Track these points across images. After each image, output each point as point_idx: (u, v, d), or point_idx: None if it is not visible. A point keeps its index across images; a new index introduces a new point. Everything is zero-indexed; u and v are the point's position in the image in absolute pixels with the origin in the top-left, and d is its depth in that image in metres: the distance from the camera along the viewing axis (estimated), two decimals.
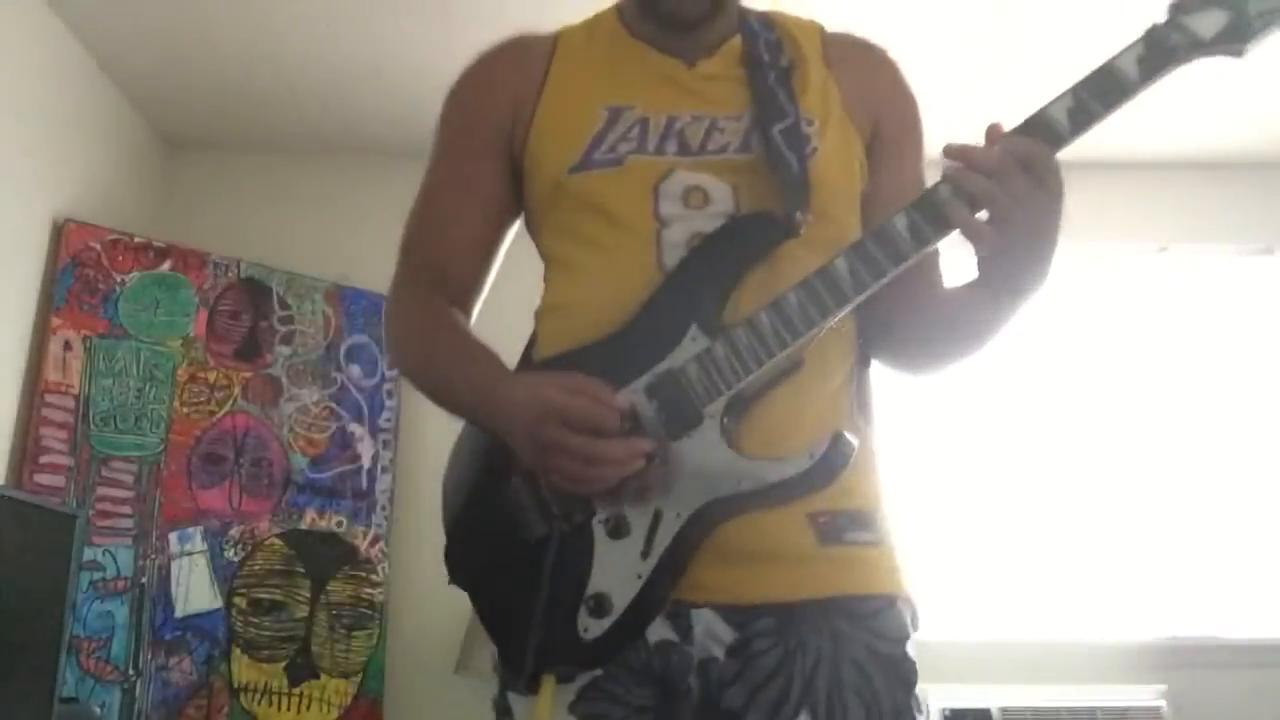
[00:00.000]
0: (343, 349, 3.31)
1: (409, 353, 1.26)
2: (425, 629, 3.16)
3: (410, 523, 3.26)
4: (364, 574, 3.13)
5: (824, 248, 1.09)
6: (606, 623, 1.05)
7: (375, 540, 3.18)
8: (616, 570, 1.06)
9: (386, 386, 3.34)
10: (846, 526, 1.10)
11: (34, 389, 2.79)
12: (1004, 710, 2.91)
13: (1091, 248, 3.53)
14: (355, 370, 3.30)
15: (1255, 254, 3.61)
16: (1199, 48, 1.02)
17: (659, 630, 1.07)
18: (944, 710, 2.92)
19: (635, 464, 1.03)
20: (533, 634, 1.06)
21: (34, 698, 2.20)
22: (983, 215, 1.02)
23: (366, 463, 3.24)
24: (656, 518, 1.06)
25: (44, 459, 2.75)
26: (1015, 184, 1.00)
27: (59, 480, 2.76)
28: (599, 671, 1.08)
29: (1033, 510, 3.33)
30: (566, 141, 1.20)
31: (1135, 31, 1.04)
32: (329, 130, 3.52)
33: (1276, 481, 3.40)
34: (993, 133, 1.02)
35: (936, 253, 1.14)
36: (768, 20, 1.28)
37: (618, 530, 1.06)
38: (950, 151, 1.03)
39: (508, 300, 1.43)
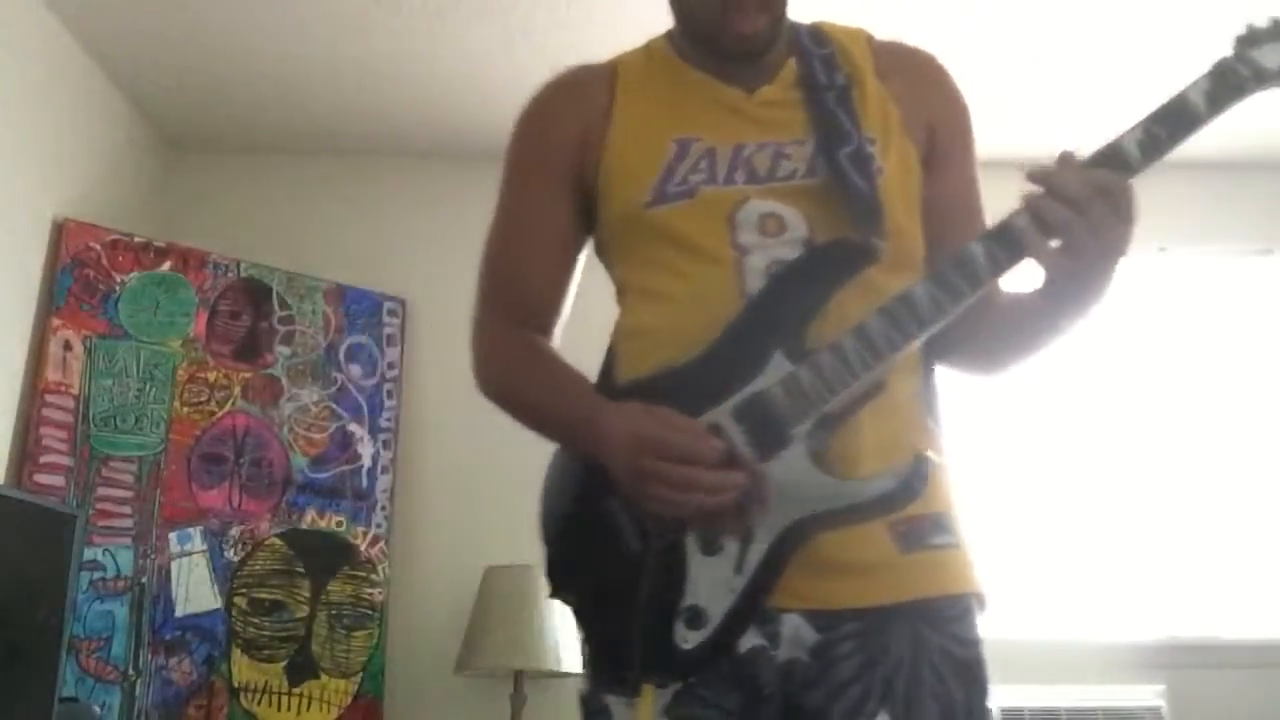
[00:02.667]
0: (343, 349, 3.31)
1: (502, 385, 1.31)
2: (425, 629, 3.16)
3: (410, 523, 3.27)
4: (364, 574, 3.13)
5: (896, 266, 1.15)
6: (703, 634, 1.10)
7: (375, 540, 3.18)
8: (710, 584, 1.11)
9: (386, 386, 3.34)
10: (927, 532, 1.16)
11: (34, 389, 2.78)
12: (1004, 710, 2.90)
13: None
14: (355, 370, 3.30)
15: (1255, 254, 3.60)
16: (1265, 79, 1.08)
17: (749, 637, 1.12)
18: None
19: (728, 493, 1.07)
20: (635, 645, 1.11)
21: (34, 698, 2.20)
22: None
23: (366, 463, 3.24)
24: (748, 535, 1.10)
25: (44, 459, 2.75)
26: (1094, 213, 1.04)
27: (59, 480, 2.76)
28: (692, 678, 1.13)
29: (1031, 510, 3.33)
30: (638, 176, 1.23)
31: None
32: (329, 130, 3.52)
33: (1276, 482, 3.40)
34: (1066, 159, 1.06)
35: None
36: (819, 34, 1.30)
37: (710, 547, 1.11)
38: (1033, 176, 1.06)
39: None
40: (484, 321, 1.34)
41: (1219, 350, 3.51)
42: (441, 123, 3.45)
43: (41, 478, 2.73)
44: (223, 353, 3.12)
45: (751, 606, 1.11)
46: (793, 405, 1.10)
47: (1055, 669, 3.01)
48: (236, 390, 3.11)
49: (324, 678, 3.01)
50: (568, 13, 2.94)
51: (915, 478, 1.08)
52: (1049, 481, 3.37)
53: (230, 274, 3.19)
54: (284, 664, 2.97)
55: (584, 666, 1.21)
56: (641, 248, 1.25)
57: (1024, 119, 3.31)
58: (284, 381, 3.19)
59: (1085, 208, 1.03)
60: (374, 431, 3.27)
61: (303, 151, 3.61)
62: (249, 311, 3.19)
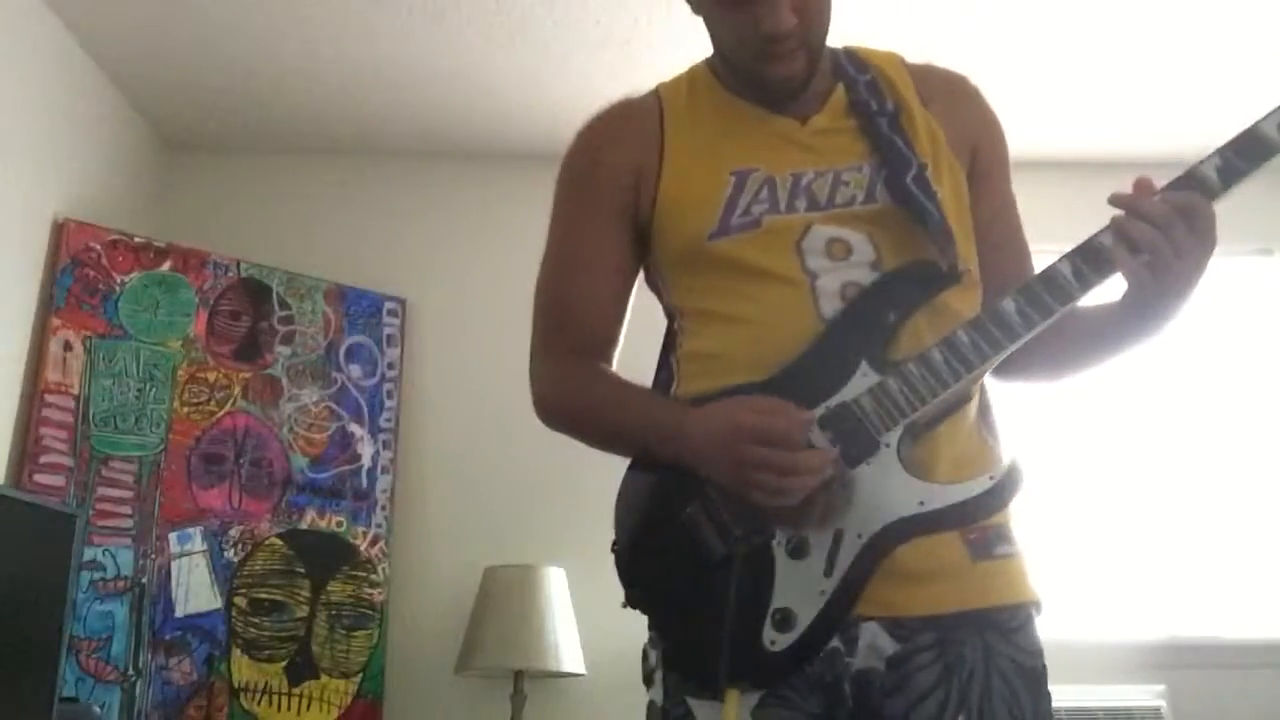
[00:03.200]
0: (343, 349, 3.31)
1: (576, 413, 1.34)
2: (425, 629, 3.16)
3: (410, 523, 3.26)
4: (364, 574, 3.13)
5: (963, 288, 1.20)
6: (792, 636, 1.13)
7: (375, 540, 3.18)
8: (799, 587, 1.13)
9: (386, 387, 3.34)
10: (994, 541, 1.20)
11: (34, 389, 2.78)
12: None
13: None
14: (355, 370, 3.30)
15: (1255, 254, 3.60)
16: None
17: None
18: None
19: (825, 473, 1.10)
20: (723, 648, 1.12)
21: (34, 698, 2.20)
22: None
23: (366, 463, 3.24)
24: (837, 538, 1.13)
25: (44, 459, 2.75)
26: (1177, 233, 1.08)
27: (59, 480, 2.76)
28: None
29: (1030, 510, 3.33)
30: (699, 210, 1.26)
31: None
32: (329, 130, 3.52)
33: (1277, 482, 3.40)
34: (1142, 184, 1.11)
35: None
36: (857, 59, 1.33)
37: (799, 551, 1.14)
38: (1116, 200, 1.11)
39: None
40: (546, 356, 1.36)
41: (1219, 350, 3.51)
42: (441, 123, 3.45)
43: (41, 478, 2.73)
44: (223, 353, 3.12)
45: (841, 609, 1.13)
46: (881, 413, 1.13)
47: (1055, 669, 2.99)
48: (236, 390, 3.11)
49: (324, 678, 3.01)
50: (566, 14, 2.94)
51: (1011, 480, 1.13)
52: (1048, 482, 3.37)
53: (230, 274, 3.19)
54: (284, 664, 2.97)
55: (653, 674, 1.22)
56: (705, 276, 1.27)
57: (1027, 120, 3.31)
58: (284, 381, 3.19)
59: (1168, 227, 1.07)
60: (374, 431, 3.27)
61: (303, 151, 3.61)
62: (249, 311, 3.19)
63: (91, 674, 2.69)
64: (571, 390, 1.33)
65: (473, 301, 3.42)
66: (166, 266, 3.09)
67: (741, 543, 1.14)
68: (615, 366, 1.37)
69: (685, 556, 1.17)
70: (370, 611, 3.11)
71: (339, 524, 3.15)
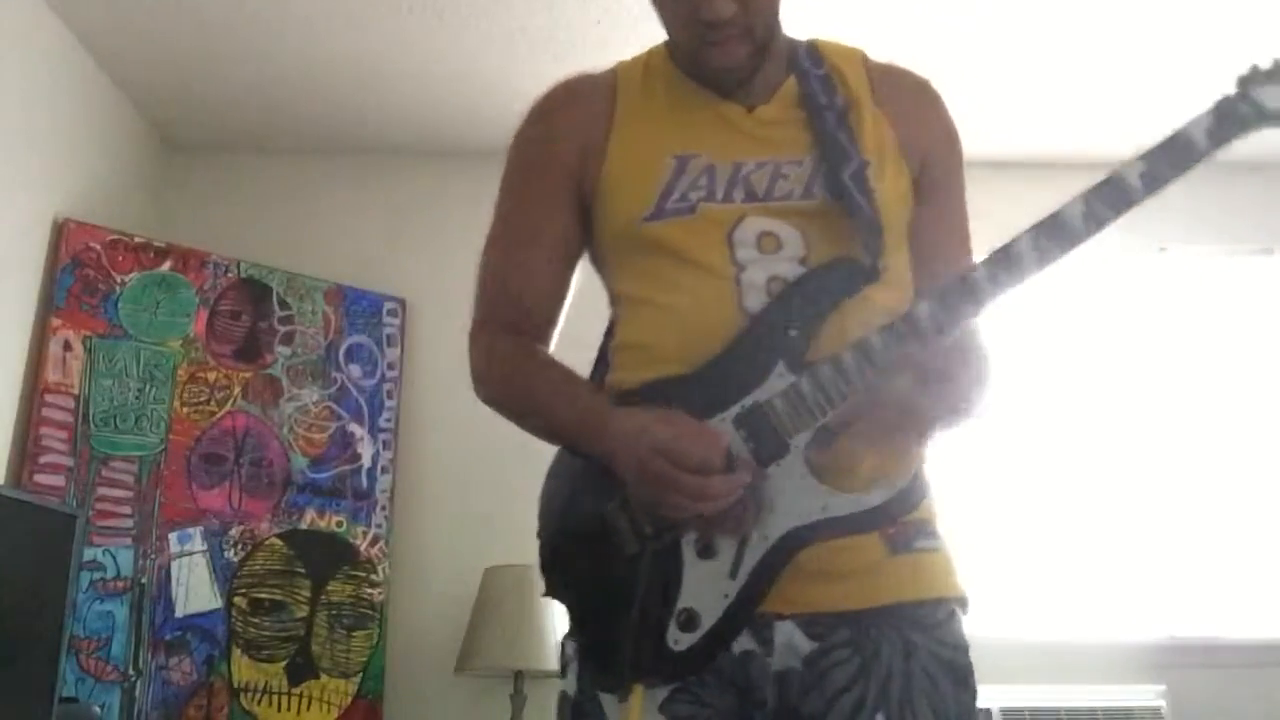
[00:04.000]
0: (343, 349, 3.31)
1: (503, 389, 1.32)
2: (425, 629, 3.16)
3: (410, 523, 3.27)
4: (364, 574, 3.13)
5: (891, 285, 1.19)
6: (694, 637, 1.13)
7: (375, 540, 3.18)
8: (705, 588, 1.13)
9: (386, 387, 3.34)
10: (914, 536, 1.19)
11: (34, 389, 2.78)
12: (1004, 710, 2.90)
13: (1091, 248, 3.53)
14: (355, 370, 3.30)
15: (1255, 254, 3.60)
16: (1265, 118, 1.11)
17: (742, 641, 1.15)
18: None
19: (736, 495, 1.09)
20: (627, 645, 1.13)
21: (34, 698, 2.20)
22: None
23: (366, 463, 3.24)
24: (744, 540, 1.13)
25: (44, 459, 2.75)
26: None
27: (59, 480, 2.76)
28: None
29: (1031, 510, 3.33)
30: (638, 191, 1.25)
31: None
32: (328, 130, 3.52)
33: (1276, 481, 3.40)
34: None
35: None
36: (815, 53, 1.32)
37: (707, 550, 1.14)
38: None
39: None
40: (483, 330, 1.34)
41: (1219, 350, 3.51)
42: (441, 122, 3.46)
43: (41, 478, 2.73)
44: (223, 353, 3.12)
45: (745, 612, 1.13)
46: (793, 415, 1.12)
47: (1055, 669, 3.01)
48: (236, 390, 3.11)
49: (324, 678, 3.00)
50: (566, 13, 2.94)
51: (913, 492, 1.14)
52: (1049, 481, 3.37)
53: (230, 274, 3.19)
54: (284, 664, 2.97)
55: (568, 665, 1.22)
56: (639, 260, 1.26)
57: (1025, 120, 3.31)
58: (284, 381, 3.19)
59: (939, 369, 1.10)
60: (374, 431, 3.27)
61: (303, 151, 3.61)
62: (249, 311, 3.19)
63: (91, 674, 2.69)
64: (508, 369, 1.31)
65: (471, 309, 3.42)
66: (166, 266, 3.09)
67: (652, 541, 1.14)
68: (558, 351, 1.34)
69: (601, 551, 1.17)
70: (370, 611, 3.11)
71: (339, 524, 3.15)
